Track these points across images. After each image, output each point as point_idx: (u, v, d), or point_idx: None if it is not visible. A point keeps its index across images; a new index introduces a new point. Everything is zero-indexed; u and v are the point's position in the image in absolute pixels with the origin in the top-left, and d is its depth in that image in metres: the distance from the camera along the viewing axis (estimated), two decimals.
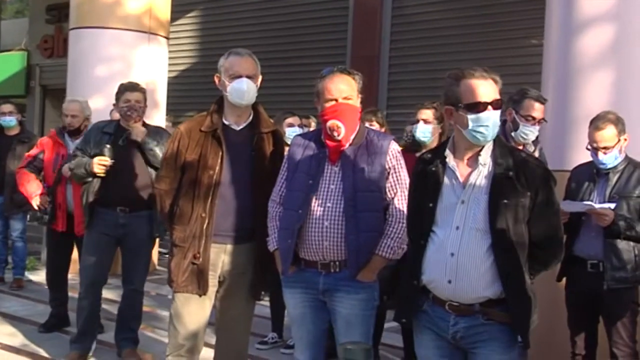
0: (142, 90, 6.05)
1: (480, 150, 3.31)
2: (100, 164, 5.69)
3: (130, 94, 5.91)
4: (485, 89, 3.25)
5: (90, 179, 5.82)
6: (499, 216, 3.20)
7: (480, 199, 3.26)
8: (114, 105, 6.28)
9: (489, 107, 3.23)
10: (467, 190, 3.30)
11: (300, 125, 6.92)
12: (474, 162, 3.32)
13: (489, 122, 3.23)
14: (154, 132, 6.12)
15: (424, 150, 5.65)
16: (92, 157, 5.78)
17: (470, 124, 3.24)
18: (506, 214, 3.20)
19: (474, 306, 3.25)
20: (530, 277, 3.32)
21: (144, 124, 6.09)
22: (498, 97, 3.28)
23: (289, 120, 6.88)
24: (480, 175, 3.29)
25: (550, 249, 3.38)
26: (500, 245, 3.20)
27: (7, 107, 8.96)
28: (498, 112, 3.26)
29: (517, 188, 3.23)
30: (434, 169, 3.40)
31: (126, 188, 5.84)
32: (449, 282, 3.25)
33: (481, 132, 3.24)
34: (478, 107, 3.23)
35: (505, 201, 3.21)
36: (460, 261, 3.23)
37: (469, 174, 3.31)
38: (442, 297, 3.31)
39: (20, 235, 8.84)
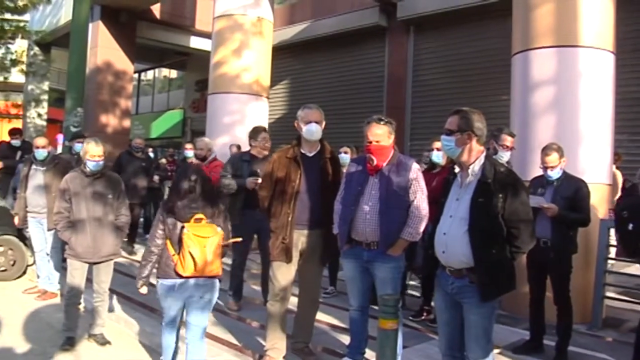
0: (267, 131, 6.19)
1: (470, 164, 3.16)
2: (255, 182, 5.58)
3: (265, 134, 6.05)
4: (449, 121, 3.21)
5: (234, 191, 5.83)
6: (475, 209, 3.08)
7: (466, 197, 3.13)
8: (250, 143, 6.17)
9: (444, 133, 3.21)
10: (461, 191, 3.19)
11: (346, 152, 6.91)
12: (469, 174, 3.18)
13: (442, 142, 3.26)
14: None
15: (438, 168, 5.61)
16: (234, 177, 5.85)
17: None
18: (480, 209, 3.07)
19: (462, 270, 3.13)
20: (512, 257, 3.12)
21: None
22: (452, 128, 3.17)
23: (343, 149, 7.01)
24: (471, 182, 3.16)
25: (521, 235, 3.09)
26: (473, 229, 3.06)
27: (137, 141, 9.10)
28: (448, 137, 3.18)
29: (491, 191, 3.06)
30: (449, 177, 3.38)
31: None
32: (443, 252, 3.19)
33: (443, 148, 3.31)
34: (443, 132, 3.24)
35: (481, 200, 3.07)
36: (449, 238, 3.15)
37: (464, 181, 3.21)
38: (443, 263, 3.23)
39: None
